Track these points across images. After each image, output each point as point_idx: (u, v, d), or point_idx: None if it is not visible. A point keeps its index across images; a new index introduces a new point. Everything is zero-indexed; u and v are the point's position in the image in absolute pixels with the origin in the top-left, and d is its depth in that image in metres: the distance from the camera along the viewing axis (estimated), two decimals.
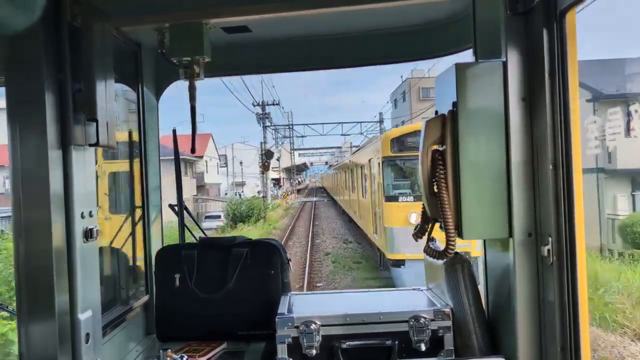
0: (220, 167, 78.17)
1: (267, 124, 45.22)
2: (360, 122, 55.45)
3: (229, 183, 79.72)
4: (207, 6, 2.44)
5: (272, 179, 72.02)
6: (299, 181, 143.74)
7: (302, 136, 62.85)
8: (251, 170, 76.88)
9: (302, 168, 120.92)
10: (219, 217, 41.96)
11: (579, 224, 1.96)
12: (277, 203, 56.54)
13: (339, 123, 57.18)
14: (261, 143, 44.59)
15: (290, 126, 63.99)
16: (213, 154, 72.33)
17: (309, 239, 28.59)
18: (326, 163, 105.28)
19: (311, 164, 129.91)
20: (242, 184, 79.27)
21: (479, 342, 2.35)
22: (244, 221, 36.47)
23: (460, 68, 2.17)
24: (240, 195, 56.61)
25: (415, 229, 2.53)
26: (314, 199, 73.58)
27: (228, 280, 3.01)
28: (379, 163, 16.60)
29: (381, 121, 54.27)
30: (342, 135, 59.54)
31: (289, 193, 74.49)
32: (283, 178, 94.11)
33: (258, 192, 62.78)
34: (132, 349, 2.98)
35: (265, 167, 42.14)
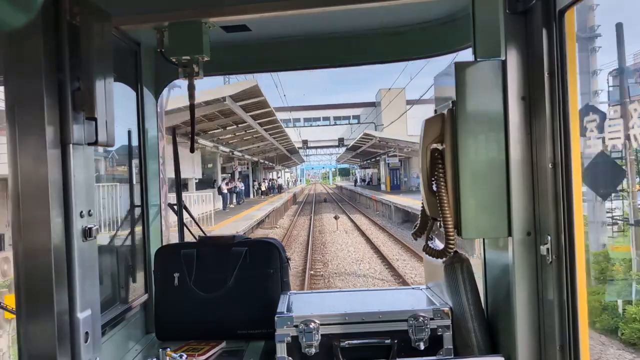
0: None
1: None
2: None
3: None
4: (206, 5, 2.44)
5: None
6: (277, 186, 64.28)
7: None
8: None
9: (285, 153, 53.77)
10: None
11: (578, 222, 1.96)
12: None
13: None
14: None
15: None
16: None
17: None
18: (339, 142, 62.87)
19: (305, 142, 67.75)
20: None
21: (478, 341, 2.36)
22: None
23: (459, 67, 2.17)
24: None
25: (414, 228, 2.53)
26: None
27: (227, 279, 3.01)
28: None
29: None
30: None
31: None
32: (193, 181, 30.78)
33: None
34: (132, 348, 2.98)
35: None
